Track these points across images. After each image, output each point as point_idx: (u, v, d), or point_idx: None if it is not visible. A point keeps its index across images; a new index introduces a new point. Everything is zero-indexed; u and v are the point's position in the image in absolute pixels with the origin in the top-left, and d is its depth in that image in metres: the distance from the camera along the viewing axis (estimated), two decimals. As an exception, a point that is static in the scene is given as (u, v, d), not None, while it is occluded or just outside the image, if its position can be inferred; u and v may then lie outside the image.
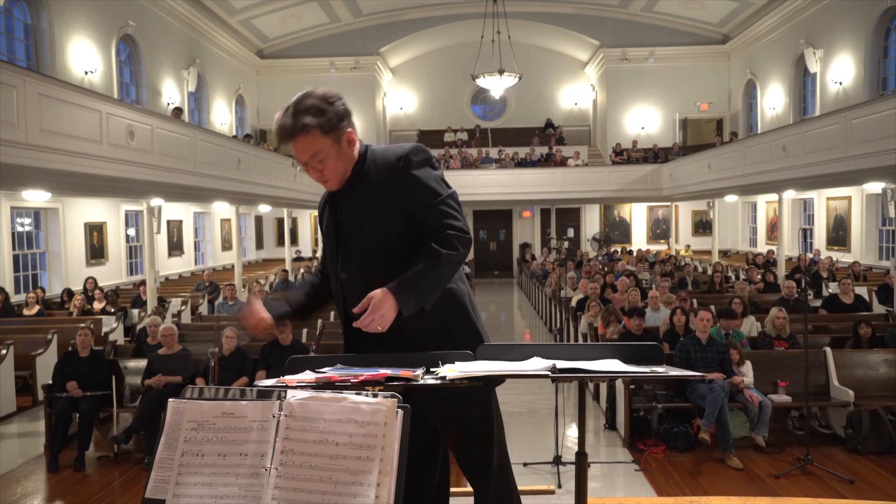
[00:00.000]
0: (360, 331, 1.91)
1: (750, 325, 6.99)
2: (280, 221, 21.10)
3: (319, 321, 7.22)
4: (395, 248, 1.83)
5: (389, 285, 1.66)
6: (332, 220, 1.96)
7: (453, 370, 1.53)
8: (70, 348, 6.17)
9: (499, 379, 1.60)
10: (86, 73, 12.09)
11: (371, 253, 1.86)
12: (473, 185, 18.45)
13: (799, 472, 4.82)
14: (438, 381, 1.48)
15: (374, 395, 1.26)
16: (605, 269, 12.69)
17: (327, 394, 1.27)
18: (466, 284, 1.98)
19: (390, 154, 1.85)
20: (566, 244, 21.00)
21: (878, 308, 9.15)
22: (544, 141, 21.74)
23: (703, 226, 20.60)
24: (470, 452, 1.95)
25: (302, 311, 2.09)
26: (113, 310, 9.38)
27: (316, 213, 19.31)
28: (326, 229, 1.99)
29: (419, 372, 1.55)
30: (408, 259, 1.77)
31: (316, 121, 1.75)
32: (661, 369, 1.63)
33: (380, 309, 1.62)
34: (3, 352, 6.81)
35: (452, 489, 2.16)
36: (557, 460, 4.92)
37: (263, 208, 16.78)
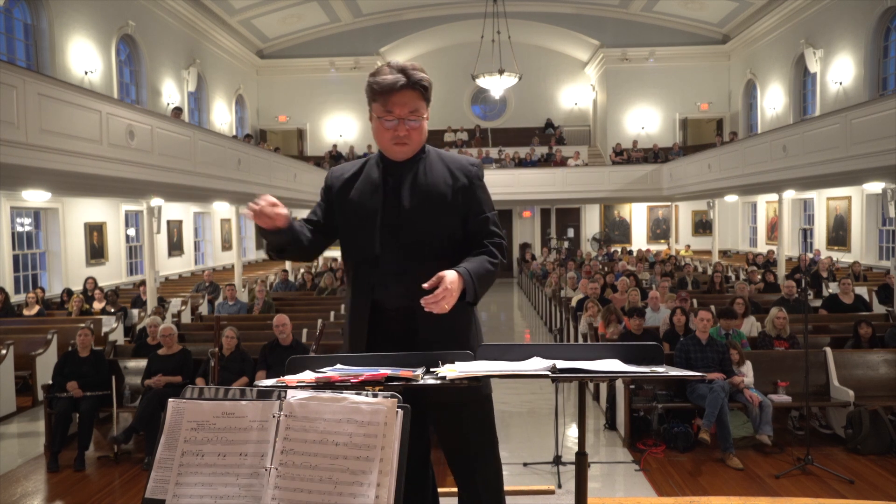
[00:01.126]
0: (383, 323, 1.89)
1: (750, 326, 7.00)
2: (280, 221, 21.08)
3: (319, 321, 7.21)
4: (447, 244, 1.91)
5: (459, 269, 1.72)
6: (379, 197, 1.92)
7: (453, 370, 1.53)
8: (70, 348, 6.17)
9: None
10: (86, 73, 12.09)
11: (426, 243, 1.88)
12: (473, 185, 18.37)
13: (799, 472, 4.82)
14: (438, 381, 1.48)
15: (374, 395, 1.26)
16: (605, 269, 12.70)
17: (327, 394, 1.27)
18: None
19: (462, 159, 1.99)
20: (566, 244, 21.01)
21: (879, 308, 9.15)
22: (544, 141, 21.75)
23: (703, 226, 20.61)
24: (471, 452, 1.94)
25: (293, 240, 1.92)
26: (113, 310, 9.38)
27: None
28: (365, 205, 1.92)
29: (419, 372, 1.55)
30: (450, 258, 1.85)
31: (429, 86, 1.91)
32: (661, 369, 1.63)
33: (451, 289, 1.65)
34: (3, 352, 6.81)
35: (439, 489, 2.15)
36: (557, 460, 4.92)
37: (263, 208, 16.74)
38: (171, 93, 15.58)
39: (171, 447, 1.27)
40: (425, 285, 1.66)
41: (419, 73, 1.87)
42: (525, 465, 5.06)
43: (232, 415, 1.28)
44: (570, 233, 22.08)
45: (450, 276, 1.67)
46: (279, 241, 1.87)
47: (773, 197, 14.24)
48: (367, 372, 1.52)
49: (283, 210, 1.79)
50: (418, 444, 1.95)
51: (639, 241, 21.24)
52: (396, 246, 1.88)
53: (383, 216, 1.90)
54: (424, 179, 1.91)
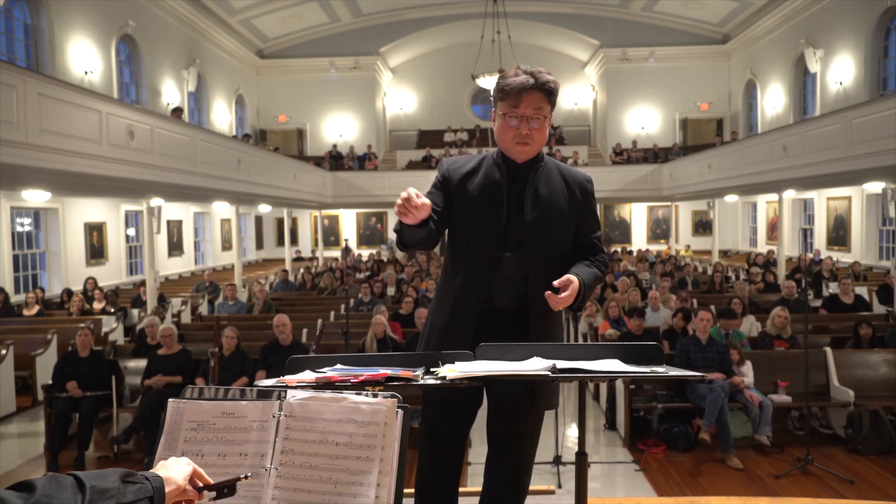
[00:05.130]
0: (488, 322, 1.97)
1: (750, 325, 7.00)
2: (280, 221, 21.11)
3: (319, 321, 7.21)
4: (559, 253, 2.02)
5: (580, 277, 1.85)
6: (502, 200, 1.97)
7: (453, 370, 1.53)
8: (70, 348, 6.16)
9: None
10: (86, 73, 12.09)
11: (544, 251, 1.97)
12: (473, 185, 18.36)
13: (799, 472, 4.82)
14: (438, 381, 1.48)
15: (374, 395, 1.26)
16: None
17: (327, 394, 1.27)
18: None
19: (577, 174, 2.07)
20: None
21: (879, 308, 9.15)
22: (544, 141, 21.73)
23: (703, 226, 20.60)
24: (525, 444, 2.05)
25: (429, 232, 1.91)
26: (113, 310, 9.38)
27: (315, 213, 19.33)
28: (489, 206, 1.96)
29: (419, 372, 1.55)
30: (560, 265, 1.98)
31: (557, 90, 1.96)
32: (661, 369, 1.63)
33: (574, 293, 1.78)
34: (3, 352, 6.80)
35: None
36: (557, 460, 4.92)
37: (263, 208, 16.79)
38: (171, 93, 15.57)
39: (171, 447, 1.27)
40: (556, 283, 1.79)
41: (546, 76, 1.92)
42: (525, 465, 5.05)
43: (232, 415, 1.28)
44: (570, 233, 22.05)
45: (575, 282, 1.79)
46: (419, 235, 1.85)
47: (773, 197, 14.24)
48: (367, 372, 1.52)
49: (426, 201, 1.75)
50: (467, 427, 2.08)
51: (639, 241, 21.23)
52: (518, 251, 1.95)
53: (508, 221, 1.96)
54: (546, 191, 1.98)
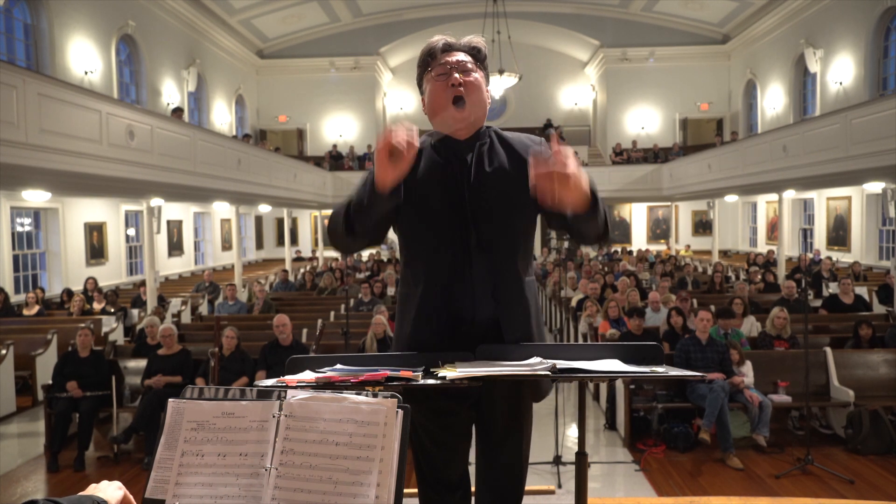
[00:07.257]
0: (462, 337, 1.74)
1: (750, 325, 7.00)
2: (280, 221, 21.11)
3: (319, 321, 7.21)
4: (526, 232, 1.75)
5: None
6: (450, 183, 1.69)
7: (453, 370, 1.53)
8: (70, 348, 6.17)
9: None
10: (86, 73, 12.09)
11: (506, 242, 1.72)
12: (473, 185, 18.36)
13: (799, 473, 4.82)
14: (438, 382, 1.48)
15: (374, 395, 1.26)
16: (605, 269, 12.69)
17: (327, 394, 1.27)
18: None
19: (523, 136, 1.81)
20: (566, 244, 20.98)
21: (879, 308, 9.15)
22: (544, 141, 21.74)
23: (703, 226, 20.60)
24: (522, 451, 1.92)
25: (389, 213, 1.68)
26: (113, 310, 9.38)
27: (315, 213, 19.33)
28: (445, 192, 1.68)
29: (419, 372, 1.55)
30: (524, 258, 1.75)
31: (480, 48, 1.76)
32: (661, 369, 1.62)
33: (576, 162, 1.46)
34: (3, 352, 6.80)
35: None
36: (557, 460, 4.92)
37: (263, 208, 16.79)
38: (171, 93, 15.57)
39: (171, 447, 1.27)
40: (558, 150, 1.44)
41: (467, 37, 1.76)
42: (525, 465, 5.05)
43: (232, 415, 1.28)
44: (570, 233, 22.05)
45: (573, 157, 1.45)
46: (388, 206, 1.57)
47: (773, 197, 14.24)
48: (367, 372, 1.52)
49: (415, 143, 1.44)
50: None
51: (639, 241, 21.23)
52: (482, 252, 1.70)
53: (465, 213, 1.70)
54: (491, 168, 1.70)
